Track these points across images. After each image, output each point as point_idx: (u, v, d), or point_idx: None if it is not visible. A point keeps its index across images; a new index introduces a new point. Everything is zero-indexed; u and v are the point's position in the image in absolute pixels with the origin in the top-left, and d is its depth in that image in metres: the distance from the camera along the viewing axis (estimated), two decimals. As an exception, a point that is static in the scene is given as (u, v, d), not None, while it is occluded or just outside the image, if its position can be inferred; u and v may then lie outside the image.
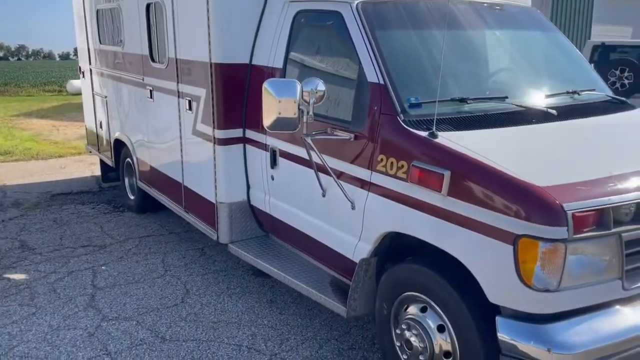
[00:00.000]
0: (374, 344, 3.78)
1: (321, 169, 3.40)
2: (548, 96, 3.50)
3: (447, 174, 2.70)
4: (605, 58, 10.14)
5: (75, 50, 8.04)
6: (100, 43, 6.67)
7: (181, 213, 5.20)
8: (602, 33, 16.74)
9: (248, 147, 4.30)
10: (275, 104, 3.01)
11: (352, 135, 3.25)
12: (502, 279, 2.54)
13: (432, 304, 2.92)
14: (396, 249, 3.24)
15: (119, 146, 6.56)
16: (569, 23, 18.01)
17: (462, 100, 3.17)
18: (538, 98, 3.45)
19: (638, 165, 2.75)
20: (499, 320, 2.60)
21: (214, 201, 4.46)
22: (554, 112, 3.23)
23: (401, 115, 3.03)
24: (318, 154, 3.26)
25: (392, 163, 3.02)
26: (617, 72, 9.61)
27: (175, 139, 4.99)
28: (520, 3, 4.27)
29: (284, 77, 3.79)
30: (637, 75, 9.42)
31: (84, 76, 7.53)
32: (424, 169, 2.82)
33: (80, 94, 8.17)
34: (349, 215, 3.34)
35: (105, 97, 6.71)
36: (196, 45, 4.36)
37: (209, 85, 4.24)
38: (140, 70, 5.56)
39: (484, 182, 2.60)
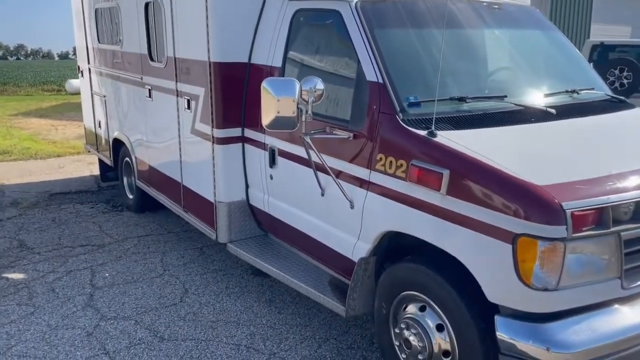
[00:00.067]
0: (372, 344, 3.78)
1: (320, 168, 3.39)
2: (547, 95, 3.50)
3: (446, 173, 2.70)
4: (604, 57, 10.14)
5: (74, 49, 8.01)
6: (99, 42, 6.66)
7: (180, 212, 5.20)
8: (601, 32, 16.74)
9: (247, 146, 4.30)
10: (274, 103, 3.00)
11: (351, 135, 3.24)
12: (501, 278, 2.54)
13: (431, 303, 2.91)
14: (395, 248, 3.23)
15: (117, 145, 6.56)
16: (568, 22, 18.02)
17: (461, 99, 3.16)
18: (537, 97, 3.45)
19: (637, 164, 2.75)
20: (497, 319, 2.60)
21: (212, 200, 4.45)
22: (553, 111, 3.23)
23: (400, 114, 3.03)
24: (317, 153, 3.26)
25: (391, 162, 3.02)
26: (616, 72, 9.60)
27: (174, 138, 4.98)
28: (519, 2, 4.26)
29: (283, 76, 3.78)
30: (636, 75, 9.42)
31: (82, 75, 7.52)
32: (423, 168, 2.82)
33: (79, 93, 8.15)
34: (347, 215, 3.34)
35: (104, 96, 6.70)
36: (195, 44, 4.35)
37: (208, 85, 4.24)
38: (139, 69, 5.55)
39: (483, 181, 2.60)
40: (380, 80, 3.11)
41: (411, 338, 3.01)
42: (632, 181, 2.61)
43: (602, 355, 2.50)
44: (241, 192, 4.40)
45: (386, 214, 3.09)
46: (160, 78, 5.12)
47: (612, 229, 2.48)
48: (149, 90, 5.37)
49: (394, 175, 3.00)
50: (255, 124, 4.08)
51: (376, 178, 3.12)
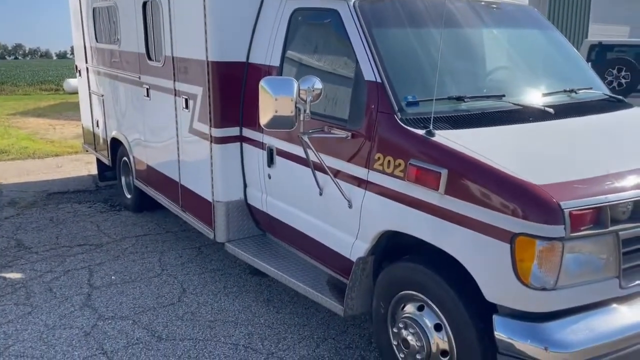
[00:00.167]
0: (371, 343, 3.77)
1: (318, 167, 3.39)
2: (545, 95, 3.50)
3: (444, 173, 2.69)
4: (602, 57, 10.13)
5: (72, 49, 8.00)
6: (97, 41, 6.65)
7: (178, 212, 5.19)
8: (599, 32, 16.76)
9: (245, 145, 4.29)
10: (272, 102, 3.00)
11: (349, 134, 3.24)
12: (499, 278, 2.53)
13: (429, 302, 2.91)
14: (393, 247, 3.23)
15: (115, 145, 6.55)
16: (566, 22, 18.03)
17: (459, 99, 3.16)
18: (535, 96, 3.45)
19: (635, 164, 2.75)
20: (496, 318, 2.59)
21: (210, 200, 4.45)
22: (551, 110, 3.23)
23: (398, 113, 3.02)
24: (315, 152, 3.26)
25: (389, 161, 3.02)
26: (614, 72, 9.60)
27: (172, 137, 4.98)
28: (518, 1, 4.26)
29: (281, 75, 3.78)
30: (634, 75, 9.42)
31: (80, 75, 7.51)
32: (421, 167, 2.81)
33: (76, 92, 8.14)
34: (346, 214, 3.33)
35: (102, 95, 6.69)
36: (193, 43, 4.34)
37: (206, 84, 4.23)
38: (136, 68, 5.54)
39: (481, 181, 2.60)
40: (379, 80, 3.11)
41: (409, 337, 3.01)
42: (630, 180, 2.61)
43: (600, 354, 2.50)
44: (239, 191, 4.40)
45: (384, 214, 3.08)
46: (158, 77, 5.11)
47: (610, 229, 2.48)
48: (147, 89, 5.36)
49: (392, 175, 3.00)
50: (253, 124, 4.07)
51: (374, 177, 3.12)
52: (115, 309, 4.28)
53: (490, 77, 3.66)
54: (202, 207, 4.60)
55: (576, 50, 4.27)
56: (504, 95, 3.29)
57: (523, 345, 2.50)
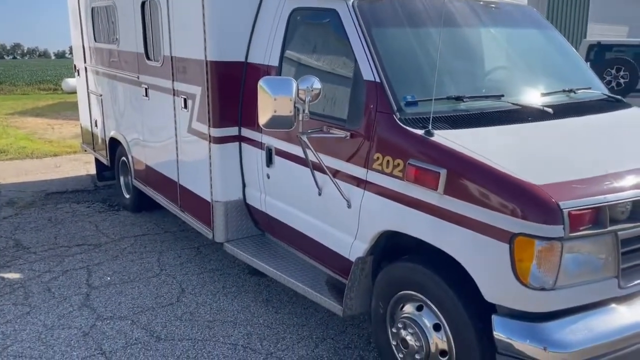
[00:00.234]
0: (369, 343, 3.77)
1: (317, 167, 3.39)
2: (544, 94, 3.50)
3: (443, 173, 2.69)
4: (601, 57, 10.14)
5: (71, 48, 7.99)
6: (95, 41, 6.64)
7: (177, 212, 5.18)
8: (598, 32, 16.78)
9: (244, 145, 4.28)
10: (270, 102, 2.99)
11: (348, 134, 3.24)
12: (498, 278, 2.53)
13: (428, 302, 2.91)
14: (392, 247, 3.23)
15: (114, 145, 6.54)
16: (565, 22, 18.05)
17: (458, 99, 3.16)
18: (534, 96, 3.44)
19: (634, 164, 2.75)
20: (495, 318, 2.59)
21: (209, 200, 4.44)
22: (550, 110, 3.23)
23: (397, 113, 3.02)
24: (314, 152, 3.25)
25: (388, 161, 3.01)
26: (613, 71, 9.61)
27: (171, 137, 4.97)
28: (517, 1, 4.26)
29: (280, 75, 3.77)
30: (632, 75, 9.43)
31: (79, 74, 7.49)
32: (420, 167, 2.81)
33: (75, 92, 8.13)
34: (345, 214, 3.33)
35: (101, 95, 6.68)
36: (191, 43, 4.33)
37: (205, 83, 4.23)
38: (135, 68, 5.53)
39: (480, 181, 2.60)
40: (378, 80, 3.10)
41: (408, 338, 3.01)
42: (629, 180, 2.61)
43: (599, 354, 2.50)
44: (238, 191, 4.39)
45: (383, 214, 3.08)
46: (156, 77, 5.10)
47: (609, 229, 2.48)
48: (146, 89, 5.35)
49: (391, 175, 3.00)
50: (252, 123, 4.07)
51: (373, 177, 3.12)
52: (114, 309, 4.27)
53: (489, 77, 3.66)
54: (201, 207, 4.59)
55: (575, 50, 4.27)
56: (503, 95, 3.29)
57: (522, 345, 2.50)
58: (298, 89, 3.02)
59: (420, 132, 2.90)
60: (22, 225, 6.18)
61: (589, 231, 2.45)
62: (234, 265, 5.02)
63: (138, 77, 5.49)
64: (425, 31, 3.48)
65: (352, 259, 3.30)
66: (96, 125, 7.03)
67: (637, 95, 8.71)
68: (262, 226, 4.45)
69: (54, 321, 4.09)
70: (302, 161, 3.51)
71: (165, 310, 4.25)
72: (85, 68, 7.12)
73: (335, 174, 3.34)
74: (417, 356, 2.99)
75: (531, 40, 4.10)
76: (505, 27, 3.97)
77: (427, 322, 2.93)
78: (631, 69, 9.45)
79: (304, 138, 3.20)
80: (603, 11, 17.90)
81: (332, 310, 3.46)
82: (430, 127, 2.86)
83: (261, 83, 3.02)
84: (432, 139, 2.83)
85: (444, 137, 2.84)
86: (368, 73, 3.15)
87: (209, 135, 4.29)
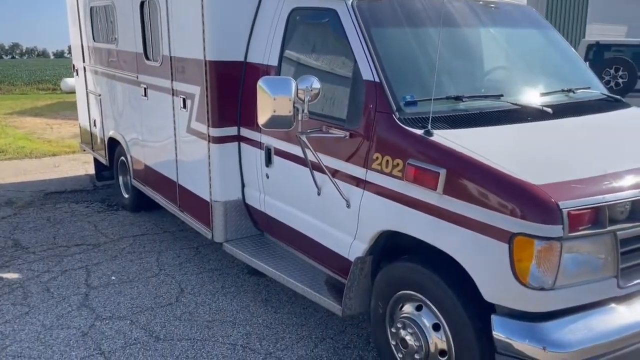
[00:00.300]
0: (369, 343, 3.77)
1: (316, 167, 3.38)
2: (543, 94, 3.50)
3: (442, 172, 2.69)
4: (599, 57, 10.15)
5: (70, 48, 7.99)
6: (94, 41, 6.63)
7: (175, 212, 5.18)
8: (596, 32, 16.79)
9: (243, 145, 4.28)
10: (270, 102, 2.99)
11: (348, 134, 3.23)
12: (498, 277, 2.53)
13: (428, 302, 2.91)
14: (391, 247, 3.23)
15: (113, 145, 6.53)
16: (564, 22, 18.06)
17: (458, 98, 3.16)
18: (533, 96, 3.45)
19: (633, 164, 2.75)
20: (494, 318, 2.59)
21: (208, 200, 4.44)
22: (549, 110, 3.23)
23: (396, 113, 3.02)
24: (313, 152, 3.25)
25: (387, 161, 3.01)
26: (612, 71, 9.62)
27: (170, 137, 4.97)
28: (516, 1, 4.26)
29: (279, 75, 3.77)
30: (631, 74, 9.44)
31: (77, 74, 7.49)
32: (420, 167, 2.81)
33: (74, 92, 8.12)
34: (344, 214, 3.33)
35: (99, 95, 6.68)
36: (190, 42, 4.33)
37: (204, 83, 4.22)
38: (134, 68, 5.53)
39: (479, 181, 2.60)
40: (377, 79, 3.10)
41: (408, 337, 3.01)
42: (628, 180, 2.61)
43: (599, 354, 2.50)
44: (237, 191, 4.39)
45: (382, 213, 3.08)
46: (155, 77, 5.10)
47: (608, 228, 2.48)
48: (145, 89, 5.34)
49: (390, 175, 2.99)
50: (252, 123, 4.06)
51: (372, 177, 3.12)
52: (113, 309, 4.27)
53: (488, 77, 3.66)
54: (200, 207, 4.59)
55: (574, 50, 4.27)
56: (502, 95, 3.29)
57: (521, 345, 2.50)
58: (297, 89, 3.02)
59: (419, 131, 2.90)
60: (21, 225, 6.17)
61: (588, 231, 2.45)
62: (233, 265, 5.02)
63: (137, 77, 5.48)
64: (424, 31, 3.48)
65: (352, 258, 3.30)
66: (95, 125, 7.02)
67: (635, 95, 8.72)
68: (261, 226, 4.44)
69: (52, 321, 4.09)
70: (302, 161, 3.51)
71: (164, 310, 4.24)
72: (84, 68, 7.11)
73: (335, 173, 3.34)
74: (416, 356, 2.99)
75: (530, 40, 4.10)
76: (505, 27, 3.97)
77: (427, 322, 2.93)
78: (630, 69, 9.46)
79: (303, 138, 3.20)
80: (602, 11, 17.92)
81: (332, 310, 3.46)
82: (429, 126, 2.86)
83: (260, 83, 3.02)
84: (432, 138, 2.83)
85: (444, 137, 2.84)
86: (367, 73, 3.15)
87: (208, 135, 4.29)
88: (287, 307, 4.28)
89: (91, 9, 6.58)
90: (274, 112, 2.99)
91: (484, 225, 2.55)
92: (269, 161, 3.98)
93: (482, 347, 2.67)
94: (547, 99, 3.43)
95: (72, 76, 7.95)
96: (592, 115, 3.44)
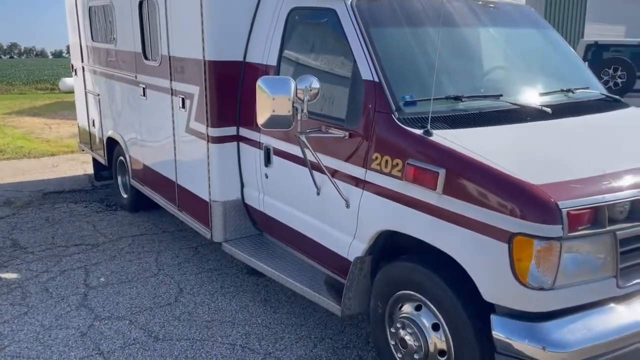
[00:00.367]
0: (368, 343, 3.77)
1: (315, 167, 3.38)
2: (543, 94, 3.50)
3: (442, 172, 2.69)
4: (598, 57, 10.16)
5: (68, 48, 7.98)
6: (93, 40, 6.62)
7: (174, 212, 5.17)
8: (595, 32, 16.81)
9: (242, 145, 4.28)
10: (269, 102, 2.98)
11: (347, 133, 3.23)
12: (497, 277, 2.53)
13: (427, 302, 2.91)
14: (391, 247, 3.23)
15: (111, 144, 6.52)
16: (562, 22, 18.08)
17: (457, 98, 3.16)
18: (533, 96, 3.45)
19: (632, 163, 2.75)
20: (493, 318, 2.59)
21: (207, 200, 4.43)
22: (548, 110, 3.23)
23: (396, 113, 3.02)
24: (312, 152, 3.25)
25: (386, 161, 3.01)
26: (610, 71, 9.62)
27: (169, 137, 4.96)
28: (515, 1, 4.26)
29: (278, 75, 3.77)
30: (630, 74, 9.45)
31: (76, 74, 7.48)
32: (419, 167, 2.81)
33: (72, 92, 8.12)
34: (343, 214, 3.33)
35: (98, 95, 6.67)
36: (189, 42, 4.33)
37: (203, 83, 4.22)
38: (133, 67, 5.52)
39: (479, 180, 2.60)
40: (376, 79, 3.10)
41: (407, 337, 3.00)
42: (627, 180, 2.61)
43: (598, 354, 2.50)
44: (236, 191, 4.39)
45: (382, 213, 3.08)
46: (154, 77, 5.09)
47: (608, 228, 2.48)
48: (143, 88, 5.34)
49: (389, 175, 2.99)
50: (251, 123, 4.06)
51: (372, 177, 3.11)
52: (112, 309, 4.26)
53: (487, 77, 3.66)
54: (199, 207, 4.59)
55: (573, 50, 4.27)
56: (501, 95, 3.29)
57: (521, 345, 2.50)
58: (296, 89, 3.01)
59: (419, 131, 2.89)
60: (20, 225, 6.16)
61: (588, 231, 2.45)
62: (232, 265, 5.01)
63: (136, 77, 5.48)
64: (423, 31, 3.48)
65: (351, 258, 3.29)
66: (94, 125, 7.01)
67: (634, 95, 8.73)
68: (260, 226, 4.44)
69: (51, 321, 4.08)
70: (301, 161, 3.51)
71: (164, 310, 4.24)
72: (83, 67, 7.10)
73: (334, 173, 3.34)
74: (415, 356, 2.98)
75: (529, 40, 4.10)
76: (504, 27, 3.97)
77: (426, 322, 2.92)
78: (628, 69, 9.47)
79: (303, 138, 3.20)
80: (600, 11, 17.94)
81: (331, 310, 3.46)
82: (429, 126, 2.86)
83: (259, 83, 3.02)
84: (431, 138, 2.83)
85: (443, 136, 2.84)
86: (367, 73, 3.15)
87: (207, 135, 4.28)
88: (286, 307, 4.28)
89: (90, 8, 6.58)
90: (273, 111, 2.99)
91: (483, 225, 2.54)
92: (268, 161, 3.98)
93: (481, 347, 2.67)
94: (547, 99, 3.43)
95: (71, 76, 7.94)
96: (592, 115, 3.44)
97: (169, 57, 4.74)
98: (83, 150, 8.00)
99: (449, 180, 2.68)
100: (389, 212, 3.03)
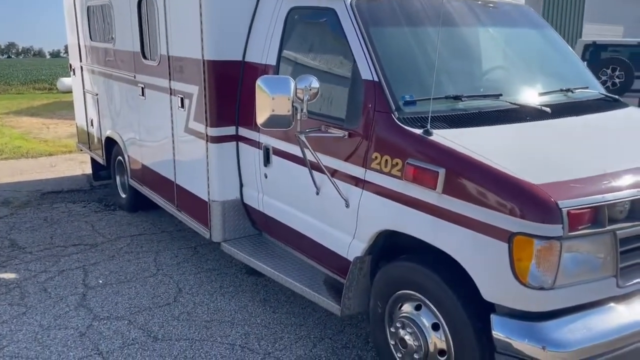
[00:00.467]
0: (368, 343, 3.77)
1: (315, 166, 3.38)
2: (542, 94, 3.50)
3: (441, 172, 2.69)
4: (596, 57, 10.18)
5: (66, 47, 7.95)
6: (91, 40, 6.61)
7: (173, 211, 5.17)
8: (593, 32, 16.83)
9: (241, 144, 4.27)
10: (268, 101, 2.98)
11: (346, 133, 3.23)
12: (497, 277, 2.53)
13: (427, 302, 2.91)
14: (391, 247, 3.22)
15: (110, 144, 6.51)
16: (561, 22, 18.10)
17: (457, 98, 3.16)
18: (532, 96, 3.45)
19: (632, 163, 2.76)
20: (493, 318, 2.59)
21: (206, 199, 4.43)
22: (548, 109, 3.24)
23: (395, 112, 3.02)
24: (312, 151, 3.25)
25: (386, 161, 3.01)
26: (609, 71, 9.64)
27: (167, 136, 4.95)
28: (514, 1, 4.27)
29: (278, 75, 3.76)
30: (628, 74, 9.46)
31: (74, 74, 7.46)
32: (419, 166, 2.81)
33: (70, 91, 8.10)
34: (343, 214, 3.33)
35: (96, 94, 6.66)
36: (188, 42, 4.32)
37: (202, 83, 4.21)
38: (131, 67, 5.51)
39: (478, 180, 2.60)
40: (376, 79, 3.10)
41: (407, 337, 3.00)
42: (627, 180, 2.62)
43: (598, 353, 2.50)
44: (235, 191, 4.38)
45: (382, 213, 3.08)
46: (153, 76, 5.08)
47: (608, 228, 2.48)
48: (142, 88, 5.33)
49: (389, 174, 2.99)
50: (250, 123, 4.06)
51: (372, 177, 3.11)
52: (111, 309, 4.26)
53: (487, 77, 3.67)
54: (198, 207, 4.58)
55: (572, 50, 4.27)
56: (501, 95, 3.29)
57: (521, 345, 2.50)
58: (296, 88, 3.01)
59: (418, 131, 2.89)
60: (18, 225, 6.15)
61: (588, 230, 2.45)
62: (231, 265, 5.01)
63: (134, 77, 5.47)
64: (423, 30, 3.48)
65: (350, 258, 3.29)
66: (92, 125, 7.00)
67: (632, 95, 8.75)
68: (259, 226, 4.44)
69: (50, 321, 4.07)
70: (300, 161, 3.51)
71: (163, 310, 4.23)
72: (81, 67, 7.09)
73: (334, 173, 3.33)
74: (415, 356, 2.98)
75: (529, 39, 4.10)
76: (503, 27, 3.97)
77: (426, 322, 2.92)
78: (626, 69, 9.48)
79: (302, 137, 3.19)
80: (598, 11, 17.97)
81: (330, 310, 3.46)
82: (428, 126, 2.86)
83: (259, 82, 3.01)
84: (431, 138, 2.83)
85: (443, 136, 2.84)
86: (366, 72, 3.15)
87: (206, 135, 4.28)
88: (285, 307, 4.27)
89: (88, 8, 6.56)
90: (273, 111, 2.99)
91: (483, 225, 2.54)
92: (267, 161, 3.98)
93: (481, 346, 2.67)
94: (546, 99, 3.43)
95: (69, 76, 7.92)
96: (591, 115, 3.44)
97: (168, 56, 4.73)
98: (81, 150, 7.98)
99: (449, 179, 2.68)
100: (388, 212, 3.03)
